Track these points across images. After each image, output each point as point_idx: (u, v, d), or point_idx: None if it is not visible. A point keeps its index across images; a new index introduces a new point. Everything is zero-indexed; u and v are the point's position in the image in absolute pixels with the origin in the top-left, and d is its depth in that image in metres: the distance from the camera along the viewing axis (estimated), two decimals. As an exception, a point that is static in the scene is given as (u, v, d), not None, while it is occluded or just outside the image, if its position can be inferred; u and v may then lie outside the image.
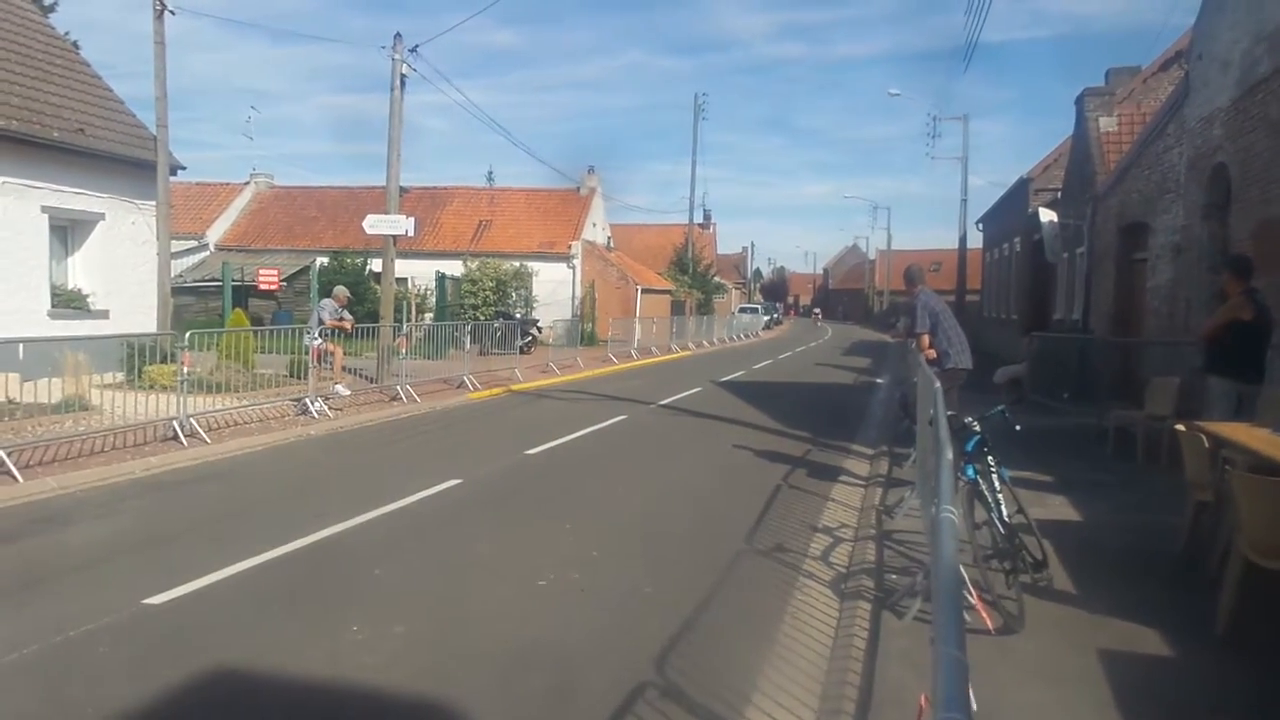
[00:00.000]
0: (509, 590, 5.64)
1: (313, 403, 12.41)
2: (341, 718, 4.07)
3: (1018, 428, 6.40)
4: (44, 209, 13.81)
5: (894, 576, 5.75)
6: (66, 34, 19.36)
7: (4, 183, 13.10)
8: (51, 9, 26.15)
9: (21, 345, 9.68)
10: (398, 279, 18.30)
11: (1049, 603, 5.18)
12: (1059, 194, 23.32)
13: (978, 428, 5.60)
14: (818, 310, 61.93)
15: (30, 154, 13.45)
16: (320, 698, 4.19)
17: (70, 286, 14.76)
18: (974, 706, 3.30)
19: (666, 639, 4.76)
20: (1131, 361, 13.87)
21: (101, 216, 14.94)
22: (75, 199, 14.37)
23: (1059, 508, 7.58)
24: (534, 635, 4.92)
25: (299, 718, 4.07)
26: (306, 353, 13.13)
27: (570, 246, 33.81)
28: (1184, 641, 4.63)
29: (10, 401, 10.03)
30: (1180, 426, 6.16)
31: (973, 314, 34.96)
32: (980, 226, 35.16)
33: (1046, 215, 21.48)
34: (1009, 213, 29.06)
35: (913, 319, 8.93)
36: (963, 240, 35.69)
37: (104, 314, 14.78)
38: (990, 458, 5.52)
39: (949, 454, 3.83)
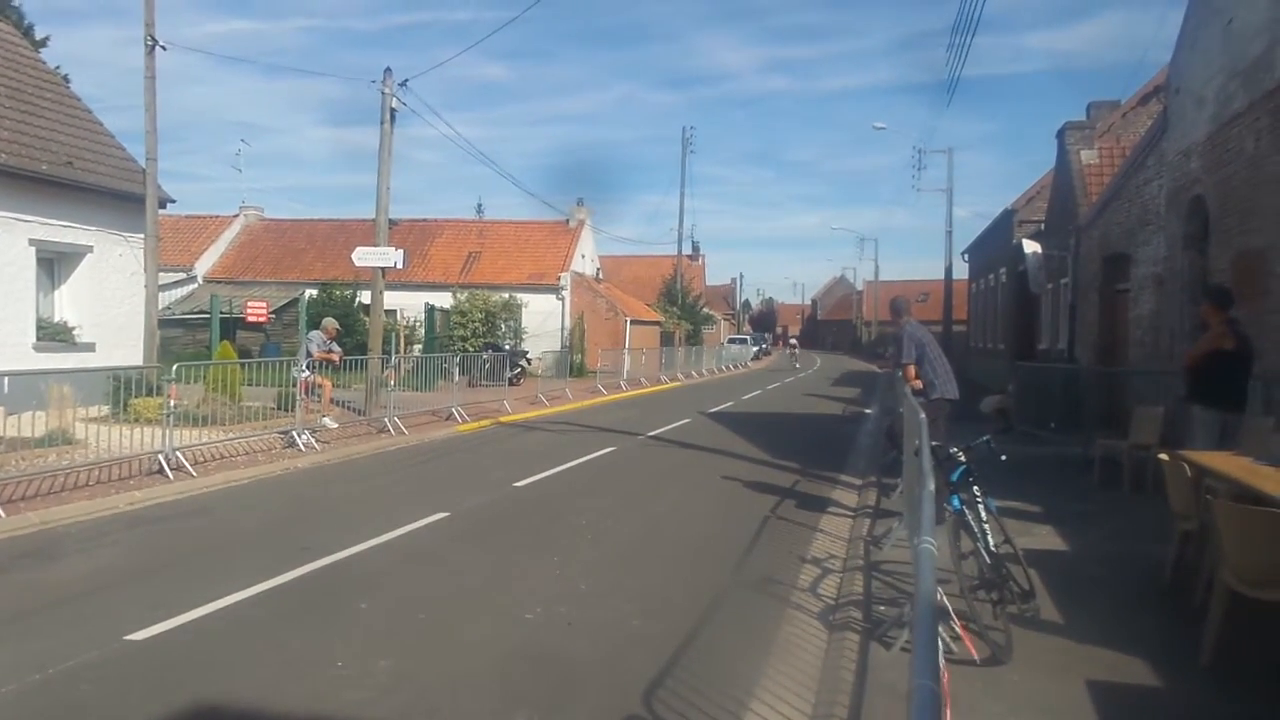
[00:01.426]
0: (496, 624, 5.60)
1: (300, 435, 12.35)
2: (325, 755, 4.03)
3: (1003, 458, 6.43)
4: (31, 241, 13.82)
5: (882, 607, 5.74)
6: (57, 68, 19.49)
7: (-8, 216, 13.11)
8: (43, 44, 26.32)
9: (6, 378, 9.62)
10: (387, 311, 18.32)
11: (1036, 633, 5.18)
12: (1042, 225, 23.60)
13: (963, 458, 5.63)
14: (794, 340, 54.48)
15: (19, 187, 13.49)
16: (304, 734, 4.14)
17: (56, 319, 14.73)
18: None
19: (654, 672, 4.74)
20: (1116, 391, 13.98)
21: (89, 249, 14.95)
22: (63, 232, 14.39)
23: (1046, 537, 7.60)
24: (521, 670, 4.88)
25: (282, 755, 4.02)
26: (294, 385, 13.09)
27: (559, 278, 33.93)
28: (1171, 671, 4.63)
29: (-6, 435, 9.95)
30: (1164, 456, 6.21)
31: (959, 344, 35.19)
32: (966, 257, 35.51)
33: (1030, 246, 21.72)
34: (994, 244, 29.37)
35: (898, 349, 9.00)
36: (949, 271, 35.98)
37: (90, 346, 14.74)
38: (976, 488, 5.54)
39: (931, 485, 3.86)
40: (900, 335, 9.00)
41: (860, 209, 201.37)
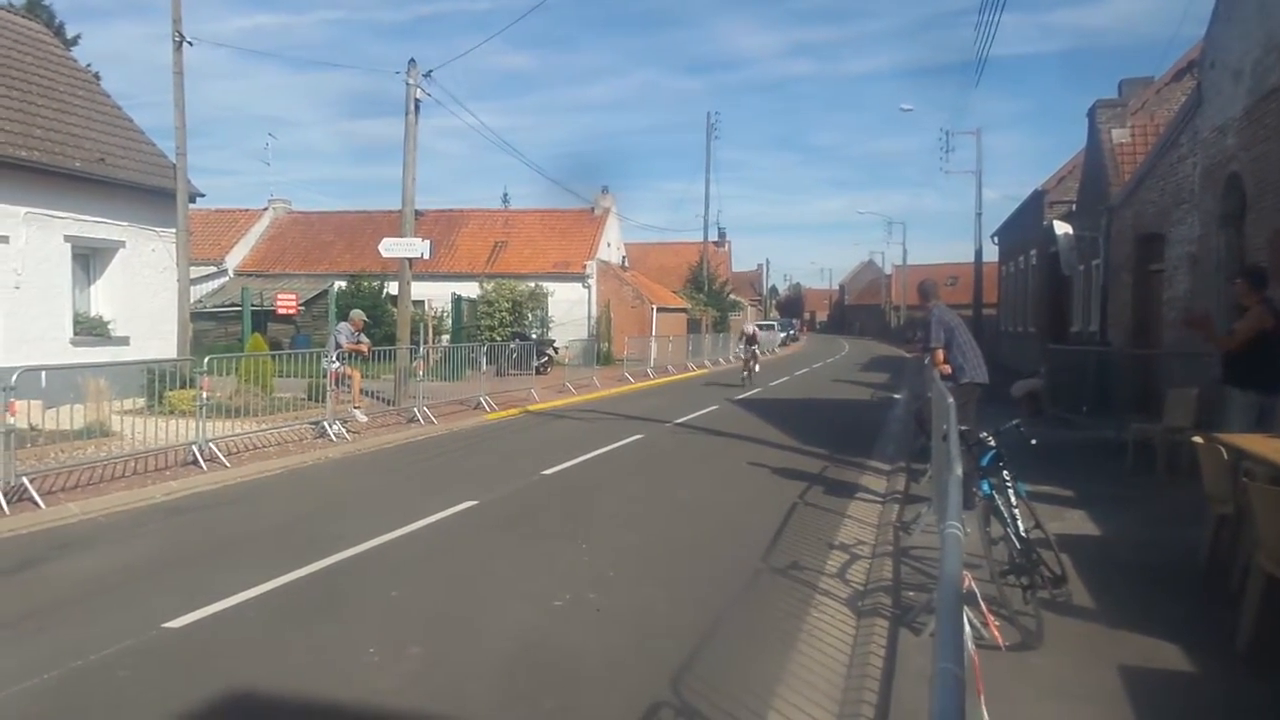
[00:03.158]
0: (525, 611, 5.64)
1: (331, 426, 12.49)
2: (358, 740, 4.08)
3: (1033, 442, 6.37)
4: (66, 238, 14.05)
5: (911, 593, 5.71)
6: (88, 66, 19.76)
7: (27, 213, 13.35)
8: (74, 42, 26.71)
9: (44, 372, 9.81)
10: (414, 301, 18.46)
11: (1068, 618, 5.13)
12: (1074, 206, 23.23)
13: (993, 442, 5.58)
14: (753, 331, 38.07)
15: (53, 184, 13.70)
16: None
17: (92, 314, 14.98)
18: (985, 716, 3.29)
19: (682, 658, 4.75)
20: (1150, 373, 13.76)
21: (122, 244, 15.18)
22: (96, 228, 14.61)
23: (1078, 522, 7.51)
24: (550, 656, 4.92)
25: (316, 740, 4.08)
26: (324, 376, 13.24)
27: (585, 266, 33.96)
28: (1206, 657, 4.57)
29: (33, 428, 10.17)
30: (1199, 439, 6.10)
31: (990, 328, 34.80)
32: (996, 240, 35.07)
33: (1061, 228, 21.39)
34: (1024, 226, 28.97)
35: (927, 334, 8.91)
36: (978, 254, 35.61)
37: (125, 340, 14.98)
38: (1006, 473, 5.49)
39: (958, 470, 3.82)
40: (928, 319, 8.90)
41: (888, 192, 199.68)
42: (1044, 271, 25.38)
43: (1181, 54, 20.70)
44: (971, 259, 36.17)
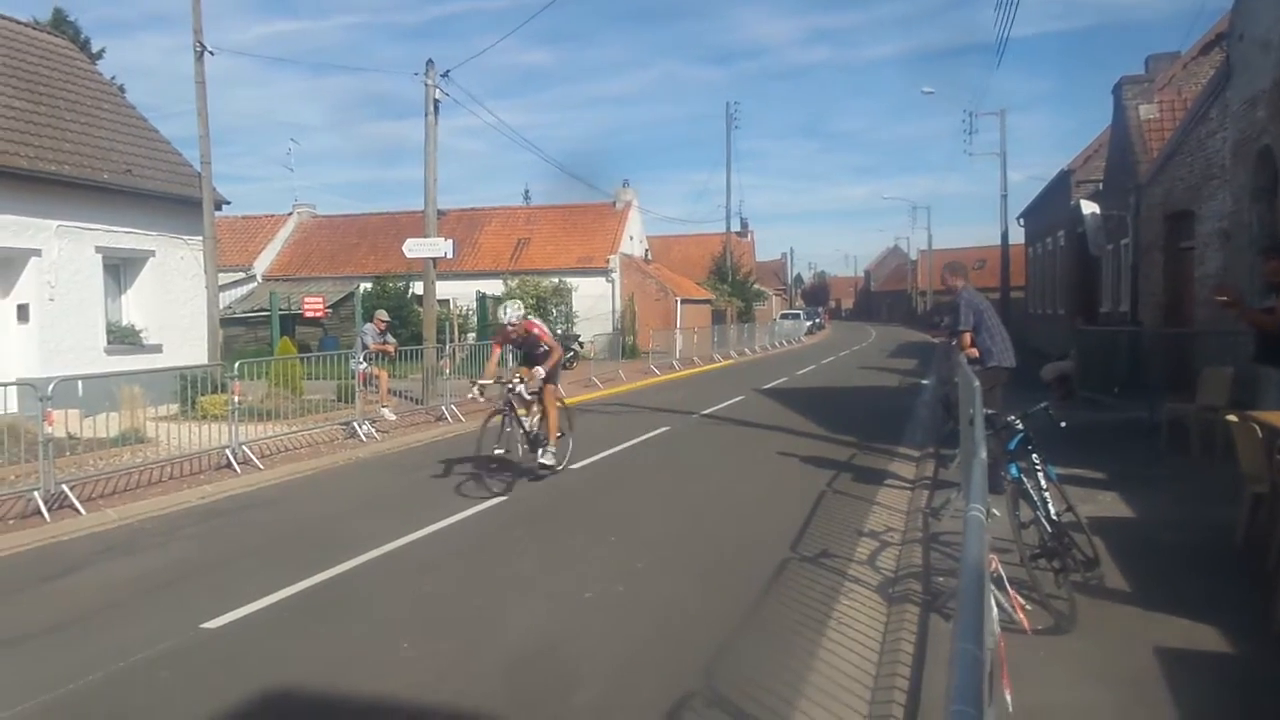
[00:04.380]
0: (554, 604, 5.69)
1: (360, 426, 12.63)
2: (394, 734, 4.14)
3: (1063, 424, 6.29)
4: (98, 249, 14.29)
5: (941, 579, 5.69)
6: (113, 79, 20.06)
7: (59, 226, 13.59)
8: (99, 56, 27.11)
9: (80, 382, 10.00)
10: (439, 300, 18.58)
11: (1101, 601, 5.09)
12: (1101, 185, 22.90)
13: (1020, 425, 5.53)
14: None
15: (83, 197, 13.94)
16: (372, 715, 4.26)
17: (124, 323, 15.23)
18: (1009, 702, 3.27)
19: (713, 648, 4.77)
20: (1183, 353, 13.54)
21: (152, 253, 15.41)
22: (126, 238, 14.84)
23: (1110, 504, 7.43)
24: (580, 648, 4.96)
25: (353, 735, 4.15)
26: (352, 377, 13.39)
27: (608, 260, 34.00)
28: (1242, 637, 4.52)
29: (71, 437, 10.36)
30: (1233, 417, 6.02)
31: (1017, 310, 34.42)
32: (1022, 222, 34.65)
33: (1089, 207, 21.11)
34: (1051, 206, 28.61)
35: (955, 317, 8.82)
36: (1005, 236, 35.20)
37: (157, 348, 15.22)
38: (1035, 456, 5.44)
39: (983, 453, 3.80)
40: (957, 302, 8.80)
41: (911, 177, 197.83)
42: (1072, 252, 25.05)
43: (1209, 27, 20.33)
44: (998, 242, 35.77)
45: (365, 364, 13.66)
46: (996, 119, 35.71)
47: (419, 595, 5.94)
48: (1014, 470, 5.25)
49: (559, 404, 9.70)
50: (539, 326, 9.64)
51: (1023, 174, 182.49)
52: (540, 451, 9.37)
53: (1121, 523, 6.83)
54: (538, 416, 9.52)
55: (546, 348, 9.42)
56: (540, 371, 9.28)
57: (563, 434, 9.86)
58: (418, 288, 22.05)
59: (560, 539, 7.35)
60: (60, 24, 26.82)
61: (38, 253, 13.29)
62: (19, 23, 16.46)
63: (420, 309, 19.85)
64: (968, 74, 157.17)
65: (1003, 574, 4.44)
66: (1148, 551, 6.05)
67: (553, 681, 4.54)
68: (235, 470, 10.12)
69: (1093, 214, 20.76)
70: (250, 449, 10.58)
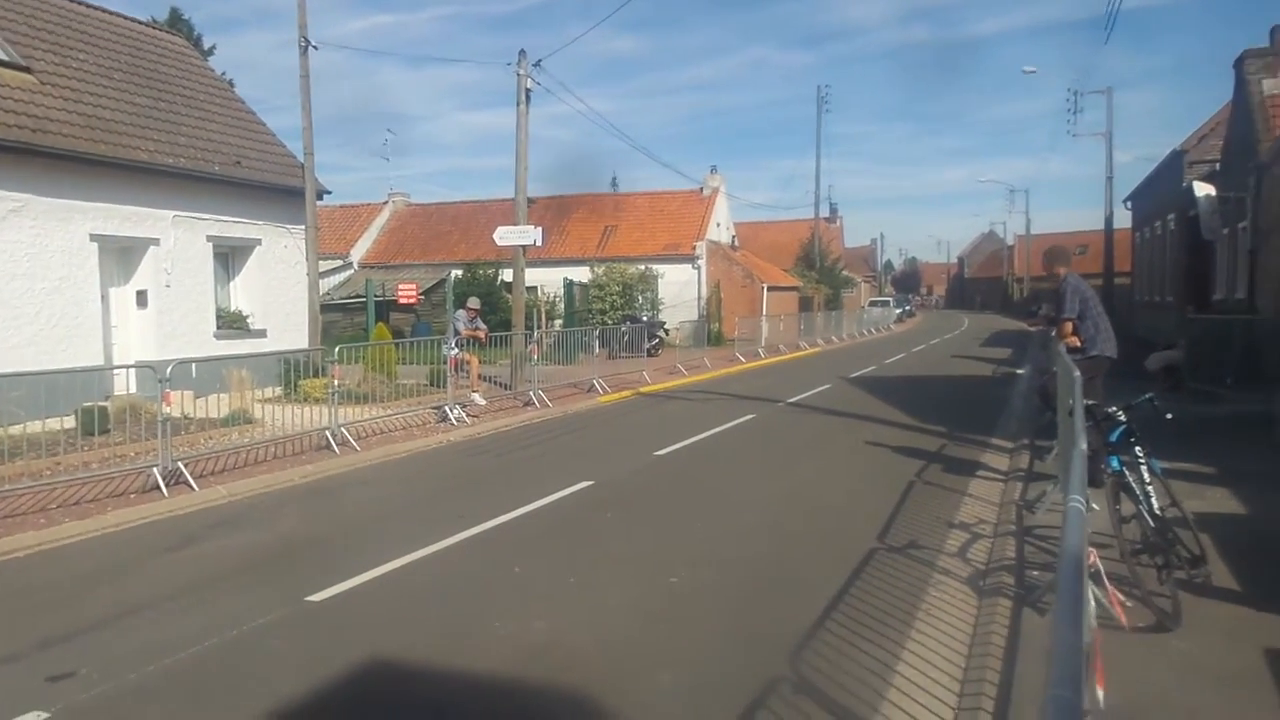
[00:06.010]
0: (641, 587, 5.77)
1: (451, 410, 12.97)
2: (487, 709, 4.28)
3: (1169, 416, 6.04)
4: (209, 238, 15.01)
5: (1035, 573, 5.55)
6: (223, 74, 20.99)
7: (175, 216, 14.32)
8: (210, 52, 28.40)
9: (194, 365, 10.57)
10: (528, 287, 18.87)
11: (1208, 600, 4.89)
12: (1217, 166, 21.72)
13: (1123, 417, 5.35)
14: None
15: (196, 188, 14.67)
16: (467, 689, 4.42)
17: (232, 308, 15.97)
18: (1100, 697, 3.19)
19: (799, 635, 4.77)
20: (1304, 342, 12.79)
21: (258, 242, 16.10)
22: (235, 227, 15.54)
23: (1219, 500, 7.10)
24: (666, 631, 5.02)
25: (448, 708, 4.31)
26: (444, 363, 13.75)
27: (694, 247, 33.92)
28: (1364, 642, 4.28)
29: (185, 417, 10.96)
30: (1357, 410, 5.68)
31: (1122, 298, 32.99)
32: (1129, 205, 33.11)
33: (1203, 189, 20.03)
34: (1160, 189, 27.27)
35: (1059, 304, 8.50)
36: (1109, 220, 33.75)
37: (262, 333, 15.92)
38: (1138, 448, 5.25)
39: (1083, 445, 3.69)
40: (1063, 289, 8.45)
41: (1009, 160, 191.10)
42: (1183, 236, 23.83)
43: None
44: (1101, 226, 34.33)
45: (457, 350, 14.01)
46: (1103, 97, 34.27)
47: (511, 575, 6.10)
48: (1115, 463, 5.09)
49: None
50: None
51: (1130, 154, 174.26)
52: None
53: (1232, 519, 6.53)
54: None
55: None
56: None
57: None
58: (507, 275, 22.44)
59: (647, 524, 7.44)
60: (176, 22, 28.17)
61: (156, 241, 14.04)
62: (139, 23, 17.41)
63: (509, 296, 20.21)
64: (1074, 50, 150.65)
65: (1101, 569, 4.31)
66: (1260, 550, 5.78)
67: (638, 663, 4.61)
68: (334, 450, 10.53)
69: (1207, 196, 19.70)
70: (348, 431, 10.99)
